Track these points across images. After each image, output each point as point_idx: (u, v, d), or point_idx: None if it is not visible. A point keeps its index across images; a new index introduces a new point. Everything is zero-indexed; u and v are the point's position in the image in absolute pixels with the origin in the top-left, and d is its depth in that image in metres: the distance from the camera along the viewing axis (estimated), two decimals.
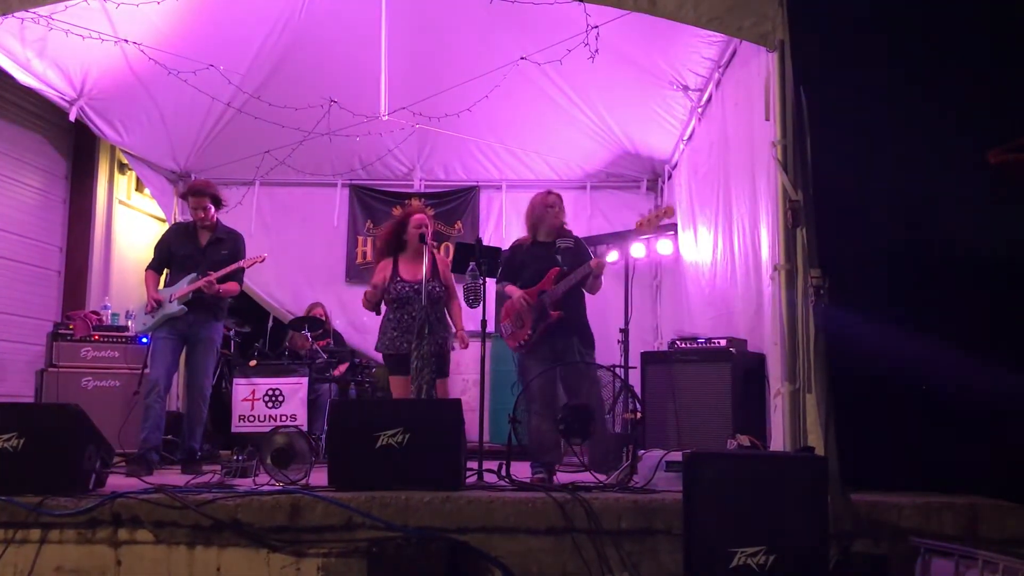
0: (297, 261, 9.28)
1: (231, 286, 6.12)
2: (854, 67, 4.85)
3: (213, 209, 6.15)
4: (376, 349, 5.92)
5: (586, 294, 5.62)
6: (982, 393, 4.30)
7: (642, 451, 4.83)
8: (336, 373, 7.91)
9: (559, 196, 5.72)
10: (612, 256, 7.97)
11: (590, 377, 5.36)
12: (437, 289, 5.70)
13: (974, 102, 4.75)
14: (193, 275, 5.98)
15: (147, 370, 6.02)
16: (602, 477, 4.61)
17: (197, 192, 6.18)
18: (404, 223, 5.89)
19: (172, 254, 6.17)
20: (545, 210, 5.59)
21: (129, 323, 7.43)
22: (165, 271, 6.25)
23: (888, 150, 4.83)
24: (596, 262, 5.34)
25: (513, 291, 5.54)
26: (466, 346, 5.91)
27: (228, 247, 6.17)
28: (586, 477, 4.82)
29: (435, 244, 6.04)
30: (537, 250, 5.60)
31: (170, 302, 5.94)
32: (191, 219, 6.28)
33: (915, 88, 4.85)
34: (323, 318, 8.36)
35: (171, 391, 8.14)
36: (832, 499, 3.70)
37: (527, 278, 5.53)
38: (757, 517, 3.47)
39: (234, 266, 6.07)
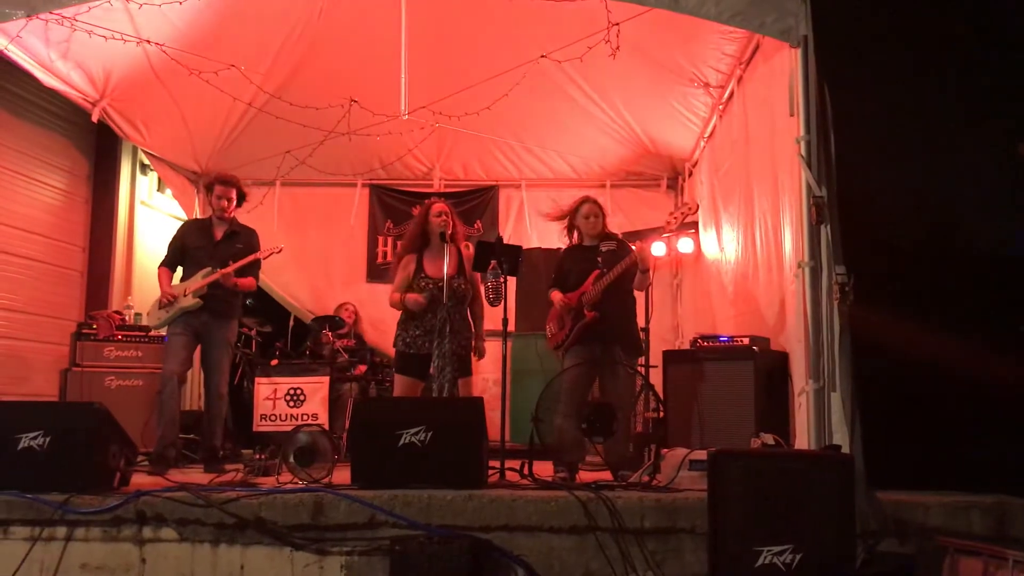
0: (318, 261, 9.32)
1: (248, 281, 6.14)
2: (878, 62, 4.82)
3: (235, 202, 6.19)
4: (394, 346, 5.86)
5: (637, 302, 5.70)
6: (1009, 391, 4.26)
7: (665, 450, 4.82)
8: (357, 373, 7.92)
9: (596, 204, 5.73)
10: None
11: (617, 377, 5.35)
12: (463, 286, 5.66)
13: (1000, 98, 4.71)
14: (208, 269, 5.99)
15: None
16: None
17: (226, 181, 6.25)
18: (426, 215, 5.84)
19: (186, 248, 6.19)
20: (583, 220, 5.69)
21: (142, 316, 7.47)
22: (179, 269, 6.28)
23: (913, 146, 4.80)
24: (639, 250, 5.31)
25: (555, 296, 5.63)
26: (481, 356, 5.88)
27: (243, 241, 6.19)
28: (608, 476, 4.80)
29: (466, 244, 5.98)
30: (582, 254, 5.67)
31: (184, 296, 5.97)
32: (209, 214, 6.33)
33: (940, 84, 4.81)
34: (351, 318, 8.41)
35: (191, 391, 8.26)
36: (858, 498, 3.67)
37: (572, 282, 5.60)
38: (783, 516, 3.45)
39: (251, 257, 6.08)
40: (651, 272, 5.58)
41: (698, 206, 5.60)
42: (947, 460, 4.29)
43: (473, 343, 5.76)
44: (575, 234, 5.79)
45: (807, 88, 4.47)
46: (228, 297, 6.08)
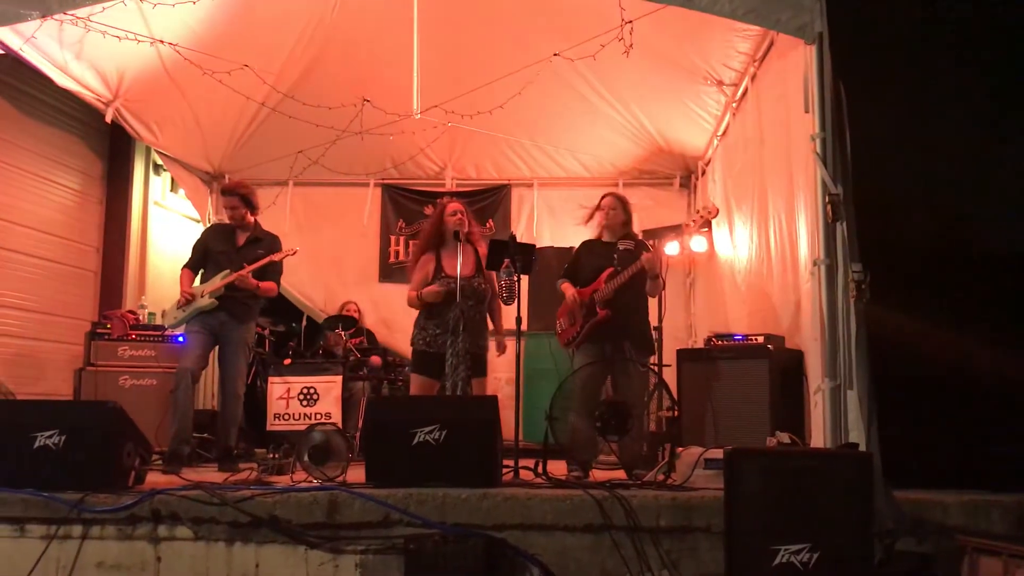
0: (330, 261, 9.32)
1: (269, 285, 6.15)
2: (893, 59, 4.79)
3: (245, 210, 6.21)
4: (412, 344, 5.87)
5: (649, 301, 5.73)
6: None
7: (680, 448, 4.79)
8: (372, 362, 7.93)
9: (617, 199, 5.76)
10: None
11: (629, 375, 5.34)
12: (482, 285, 5.67)
13: (1018, 95, 4.68)
14: (227, 271, 6.02)
15: None
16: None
17: (226, 191, 6.36)
18: (441, 215, 5.87)
19: (209, 251, 6.23)
20: (604, 212, 5.75)
21: (157, 315, 7.49)
22: (201, 271, 6.30)
23: (928, 142, 4.76)
24: (646, 257, 5.31)
25: (567, 289, 5.65)
26: (503, 352, 5.88)
27: (264, 247, 6.21)
28: (622, 475, 4.78)
29: (480, 240, 5.97)
30: (599, 249, 5.70)
31: (202, 296, 5.99)
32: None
33: (958, 81, 4.78)
34: (356, 315, 8.40)
35: (205, 390, 8.27)
36: (875, 496, 3.64)
37: (584, 276, 5.63)
38: (800, 515, 3.42)
39: (267, 259, 6.09)
40: (661, 279, 5.56)
41: (719, 210, 5.60)
42: (966, 458, 4.25)
43: (493, 340, 5.78)
44: (598, 229, 5.81)
45: (822, 85, 4.43)
46: (247, 299, 6.10)
